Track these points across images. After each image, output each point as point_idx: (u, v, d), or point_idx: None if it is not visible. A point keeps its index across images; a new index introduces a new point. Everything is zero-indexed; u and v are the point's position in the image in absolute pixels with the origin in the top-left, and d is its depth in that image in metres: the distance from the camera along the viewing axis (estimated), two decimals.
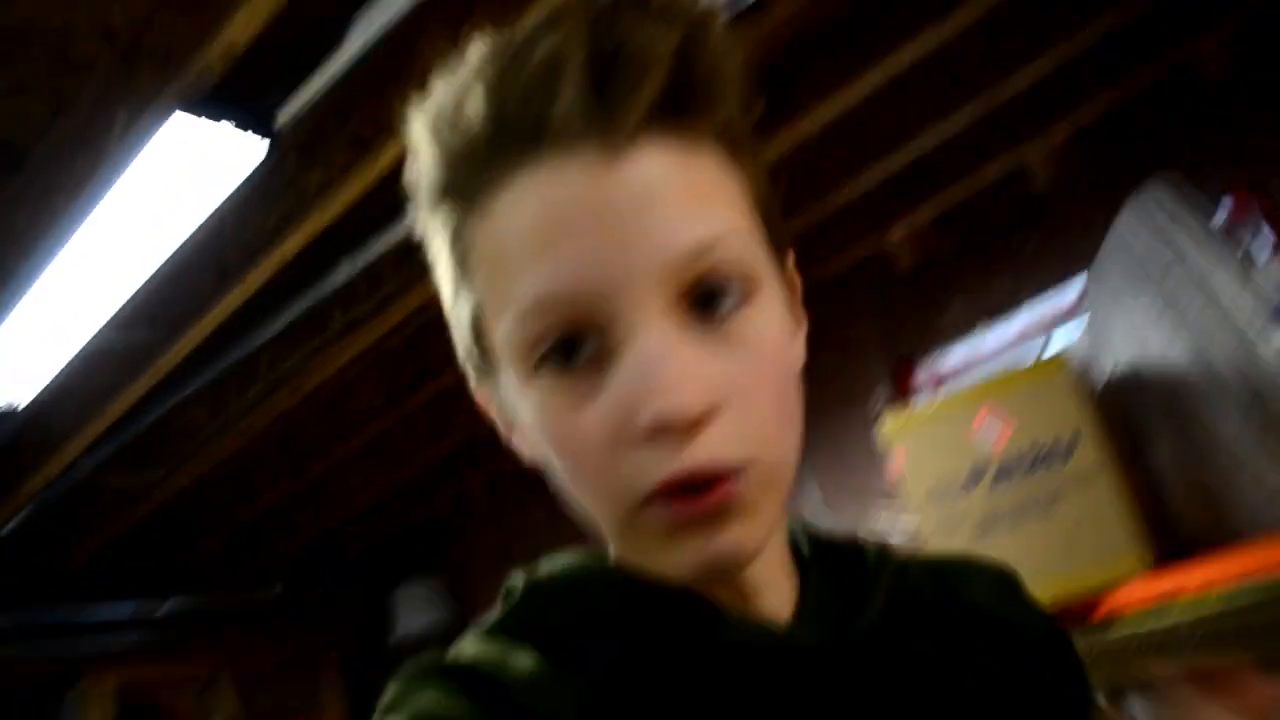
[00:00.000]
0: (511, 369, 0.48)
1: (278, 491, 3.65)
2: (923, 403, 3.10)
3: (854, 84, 2.47)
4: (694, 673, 0.50)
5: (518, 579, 0.57)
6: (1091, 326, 2.63)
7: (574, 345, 0.46)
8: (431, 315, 3.11)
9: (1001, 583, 0.64)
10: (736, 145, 0.49)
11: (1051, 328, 3.28)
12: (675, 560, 0.47)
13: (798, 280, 0.57)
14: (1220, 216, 2.68)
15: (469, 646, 0.53)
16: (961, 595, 0.61)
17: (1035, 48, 2.68)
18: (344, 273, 2.48)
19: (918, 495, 2.11)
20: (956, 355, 3.46)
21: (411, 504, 4.36)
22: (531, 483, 4.29)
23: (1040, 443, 1.98)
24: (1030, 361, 2.44)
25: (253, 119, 1.91)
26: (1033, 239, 3.35)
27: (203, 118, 1.81)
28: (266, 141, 1.98)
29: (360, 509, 4.05)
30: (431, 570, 4.64)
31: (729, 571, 0.47)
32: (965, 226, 3.44)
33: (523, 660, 0.49)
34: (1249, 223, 2.97)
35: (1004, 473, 2.00)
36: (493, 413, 0.57)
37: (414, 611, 4.47)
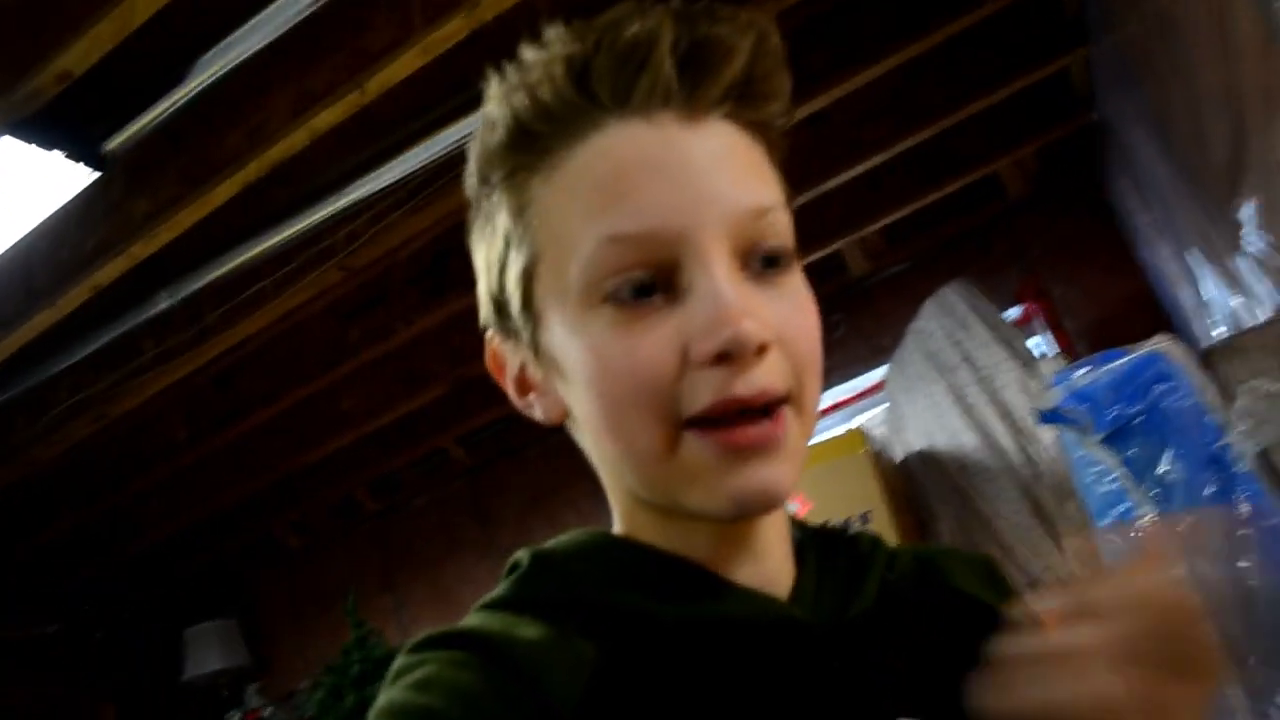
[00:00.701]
0: (570, 307, 0.51)
1: (67, 523, 3.43)
2: None
3: None
4: (699, 643, 0.52)
5: (523, 554, 0.58)
6: (890, 410, 2.86)
7: (642, 285, 0.50)
8: (249, 351, 3.04)
9: (984, 569, 0.67)
10: (775, 143, 0.56)
11: (851, 408, 3.50)
12: (721, 488, 0.50)
13: None
14: (1009, 318, 2.95)
15: (475, 618, 0.54)
16: (947, 581, 0.64)
17: (858, 151, 2.91)
18: (162, 302, 2.40)
19: None
20: None
21: (209, 543, 4.19)
22: (335, 527, 4.23)
23: (834, 520, 2.11)
24: (828, 438, 2.57)
25: (83, 143, 1.84)
26: (844, 323, 3.58)
27: (31, 143, 1.74)
28: (92, 167, 1.92)
29: (154, 545, 3.84)
30: (226, 611, 4.44)
31: (768, 506, 0.51)
32: None
33: (528, 630, 0.51)
34: (1033, 325, 3.30)
35: None
36: (510, 371, 0.59)
37: (205, 651, 4.26)
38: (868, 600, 0.58)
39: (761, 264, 0.52)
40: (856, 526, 2.23)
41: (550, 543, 0.58)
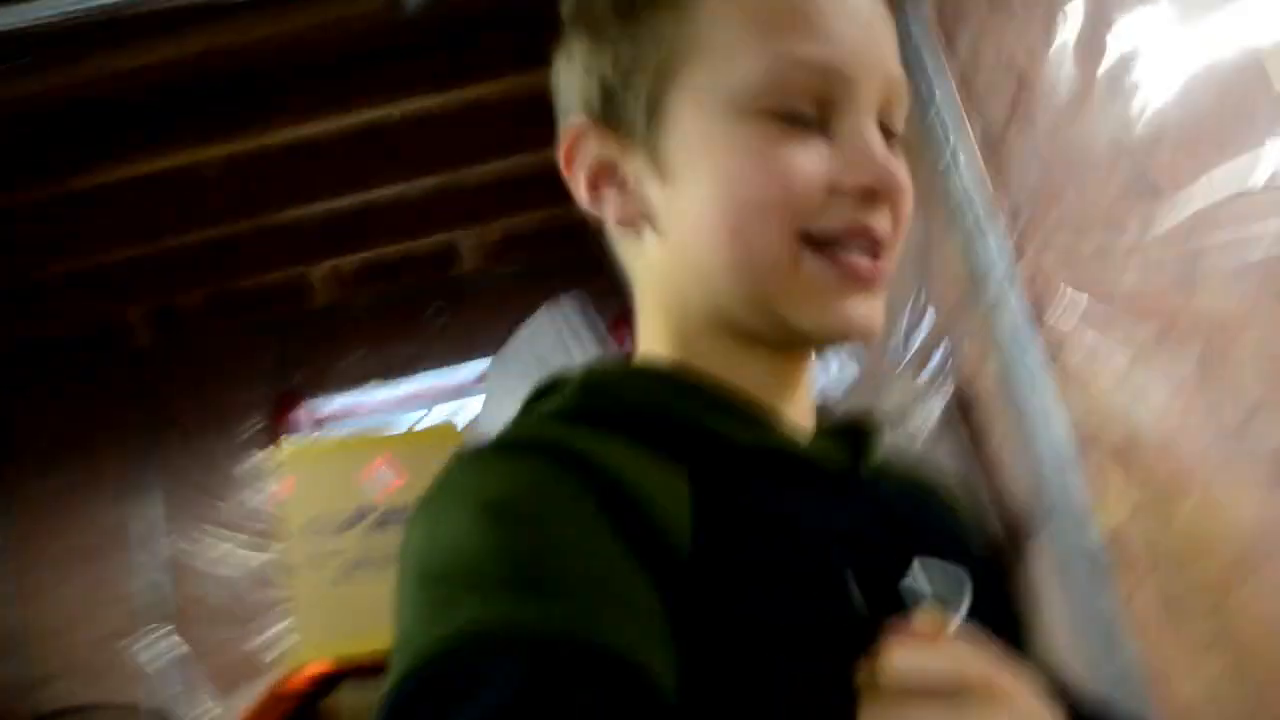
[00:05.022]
0: (721, 111, 0.53)
1: None
2: (314, 437, 3.17)
3: (327, 117, 2.53)
4: (771, 471, 0.53)
5: (564, 374, 0.57)
6: (486, 406, 2.92)
7: (803, 114, 0.52)
8: None
9: (944, 484, 0.72)
10: None
11: (442, 399, 3.56)
12: (834, 310, 0.53)
13: None
14: (609, 339, 3.17)
15: (543, 427, 0.52)
16: (918, 475, 0.69)
17: (501, 148, 2.93)
18: None
19: (295, 524, 2.19)
20: (343, 401, 3.56)
21: None
22: None
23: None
24: (425, 424, 2.64)
25: None
26: (447, 314, 3.64)
27: None
28: None
29: None
30: None
31: (867, 336, 0.54)
32: (389, 284, 3.61)
33: (616, 447, 0.48)
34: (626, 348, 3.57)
35: (385, 521, 2.17)
36: (588, 162, 0.58)
37: None
38: (869, 469, 0.61)
39: (885, 131, 0.56)
40: None
41: (583, 370, 0.57)
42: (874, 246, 0.53)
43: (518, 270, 3.64)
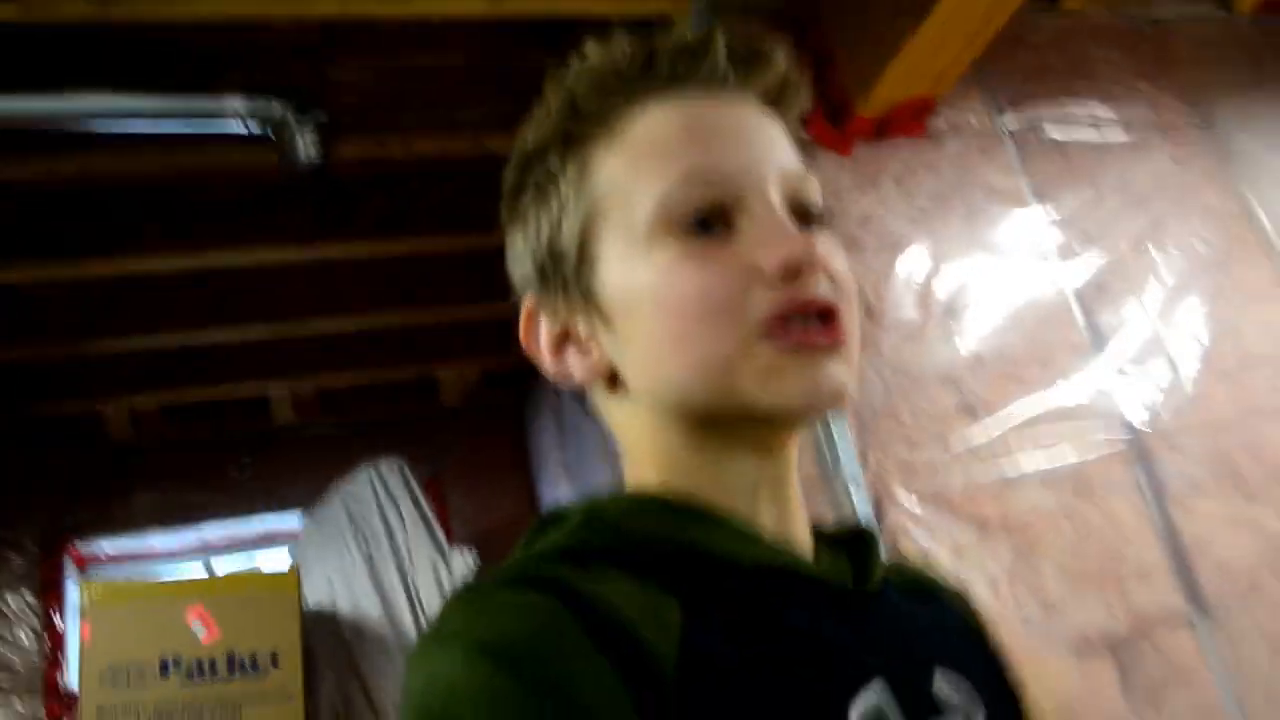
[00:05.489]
0: (638, 243, 0.57)
1: None
2: (121, 580, 2.97)
3: (171, 256, 2.48)
4: (767, 593, 0.53)
5: (566, 508, 0.57)
6: (297, 561, 2.89)
7: (708, 220, 0.55)
8: None
9: (956, 594, 0.71)
10: (802, 144, 0.65)
11: (239, 548, 3.44)
12: (795, 382, 0.53)
13: None
14: (426, 505, 3.17)
15: (542, 564, 0.51)
16: (921, 584, 0.68)
17: (330, 307, 2.95)
18: None
19: (96, 669, 2.03)
20: (132, 543, 3.39)
21: None
22: None
23: (242, 652, 2.08)
24: (254, 569, 2.52)
25: None
26: (254, 465, 3.51)
27: None
28: None
29: None
30: None
31: (835, 400, 0.54)
32: (194, 427, 3.48)
33: (607, 579, 0.49)
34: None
35: (199, 671, 2.04)
36: (548, 332, 0.62)
37: None
38: (875, 583, 0.60)
39: (800, 220, 0.58)
40: (266, 664, 2.25)
41: (586, 501, 0.58)
42: (822, 314, 0.55)
43: (329, 428, 3.61)
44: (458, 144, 2.11)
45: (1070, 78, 2.05)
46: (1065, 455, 1.67)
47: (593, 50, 0.60)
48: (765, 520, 0.58)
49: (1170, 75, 2.17)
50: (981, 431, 1.66)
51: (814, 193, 0.60)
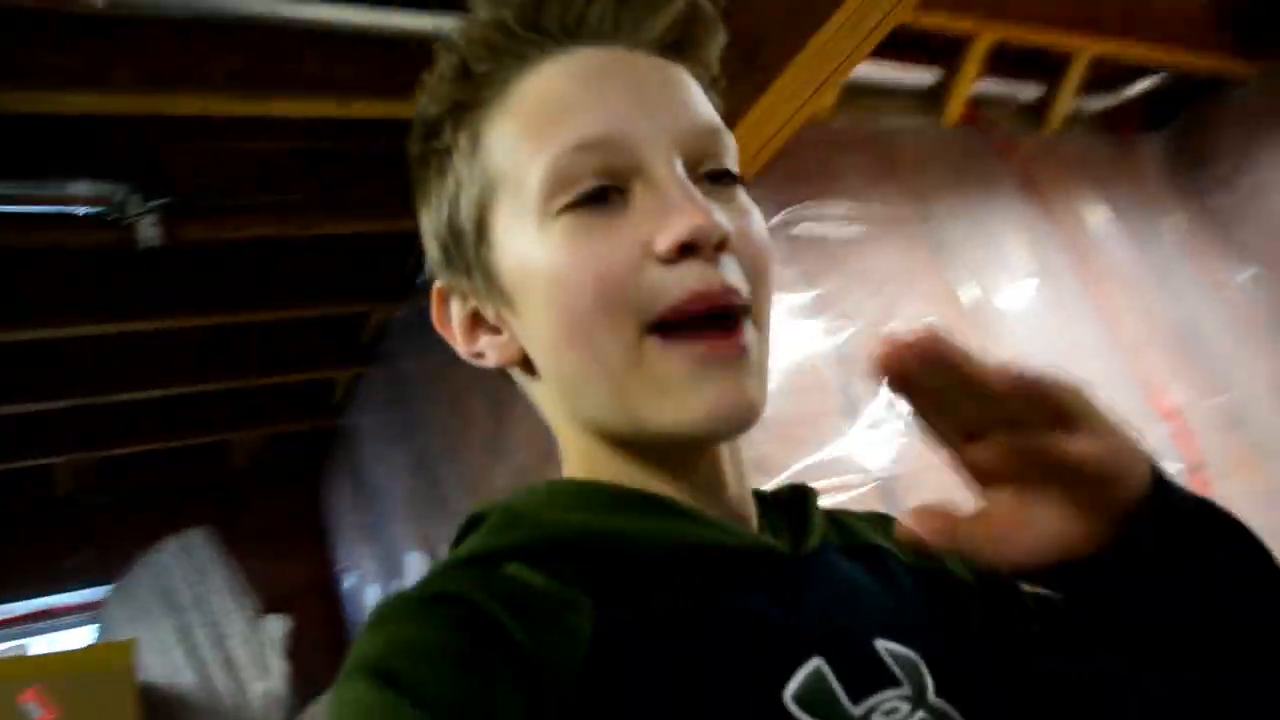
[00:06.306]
0: (529, 222, 0.51)
1: None
2: None
3: None
4: (691, 572, 0.49)
5: (484, 507, 0.54)
6: (106, 635, 2.82)
7: (600, 191, 0.50)
8: None
9: (879, 520, 0.65)
10: (713, 90, 0.59)
11: (39, 625, 3.32)
12: (694, 401, 0.49)
13: None
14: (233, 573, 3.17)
15: (446, 578, 0.49)
16: (859, 537, 0.62)
17: (121, 381, 2.95)
18: None
19: None
20: None
21: None
22: None
23: None
24: (85, 647, 2.40)
25: None
26: (36, 540, 3.43)
27: None
28: None
29: None
30: None
31: (741, 422, 0.50)
32: None
33: (525, 581, 0.47)
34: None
35: None
36: (459, 317, 0.58)
37: None
38: (812, 545, 0.56)
39: (709, 180, 0.53)
40: None
41: (508, 497, 0.55)
42: (727, 313, 0.49)
43: (134, 497, 3.54)
44: (287, 227, 2.23)
45: (825, 180, 2.45)
46: (832, 499, 2.03)
47: (480, 5, 0.55)
48: (701, 495, 0.54)
49: (896, 177, 2.63)
50: (768, 481, 1.99)
51: (725, 150, 0.54)
